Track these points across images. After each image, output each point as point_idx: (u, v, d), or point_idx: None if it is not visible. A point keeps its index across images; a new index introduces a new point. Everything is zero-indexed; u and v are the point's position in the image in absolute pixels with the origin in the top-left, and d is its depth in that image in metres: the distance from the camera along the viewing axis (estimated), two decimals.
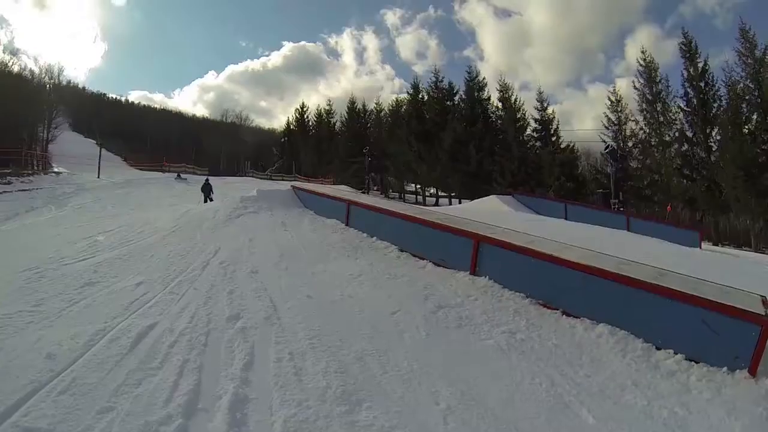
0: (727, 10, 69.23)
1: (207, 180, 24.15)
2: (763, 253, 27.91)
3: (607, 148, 36.01)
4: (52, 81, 48.47)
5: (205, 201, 20.36)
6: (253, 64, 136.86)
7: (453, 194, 45.51)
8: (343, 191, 16.66)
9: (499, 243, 6.41)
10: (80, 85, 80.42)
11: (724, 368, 4.11)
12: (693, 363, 4.23)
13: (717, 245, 29.79)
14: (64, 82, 61.42)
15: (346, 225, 9.97)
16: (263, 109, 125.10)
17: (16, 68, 41.09)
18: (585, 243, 7.80)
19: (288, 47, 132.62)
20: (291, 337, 4.53)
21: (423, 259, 7.43)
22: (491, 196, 23.06)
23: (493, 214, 14.64)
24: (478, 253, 6.56)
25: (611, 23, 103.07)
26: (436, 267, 7.08)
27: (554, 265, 5.50)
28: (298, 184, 16.50)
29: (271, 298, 5.67)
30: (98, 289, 6.03)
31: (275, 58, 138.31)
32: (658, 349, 4.47)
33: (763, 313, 4.18)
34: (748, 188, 31.16)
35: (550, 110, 43.44)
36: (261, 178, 47.39)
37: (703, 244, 19.42)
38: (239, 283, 6.31)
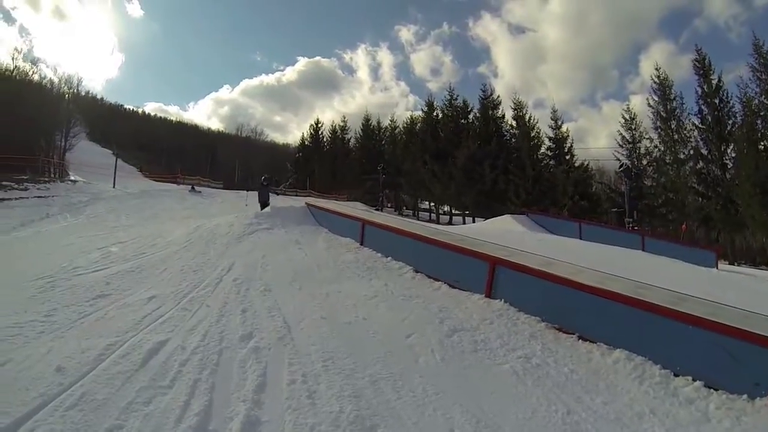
0: (741, 23, 69.40)
1: (265, 181, 20.21)
2: None
3: (621, 166, 35.87)
4: (71, 91, 49.10)
5: (262, 208, 18.73)
6: (268, 79, 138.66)
7: (467, 212, 45.47)
8: (357, 209, 16.66)
9: (515, 266, 6.39)
10: (97, 96, 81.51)
11: (744, 396, 4.02)
12: (712, 390, 4.15)
13: (734, 264, 29.41)
14: (83, 93, 62.36)
15: (361, 244, 9.98)
16: (278, 123, 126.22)
17: (36, 77, 41.72)
18: (600, 264, 7.75)
19: (303, 62, 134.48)
20: (304, 358, 4.52)
21: (438, 280, 7.41)
22: (505, 216, 22.99)
23: (507, 233, 14.63)
24: (493, 276, 6.53)
25: (625, 39, 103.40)
26: (451, 289, 7.05)
27: (570, 288, 5.47)
28: (312, 200, 16.47)
29: (284, 317, 5.68)
30: (110, 302, 6.10)
31: (290, 73, 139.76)
32: (676, 375, 4.39)
33: None
34: (764, 205, 30.79)
35: (564, 128, 43.83)
36: (275, 194, 47.50)
37: (719, 263, 19.20)
38: (252, 301, 6.33)
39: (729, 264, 27.97)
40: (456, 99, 48.98)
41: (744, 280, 11.99)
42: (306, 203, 14.59)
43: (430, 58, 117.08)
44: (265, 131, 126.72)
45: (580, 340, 5.16)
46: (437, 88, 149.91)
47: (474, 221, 38.94)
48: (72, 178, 33.79)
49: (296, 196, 42.57)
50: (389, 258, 8.77)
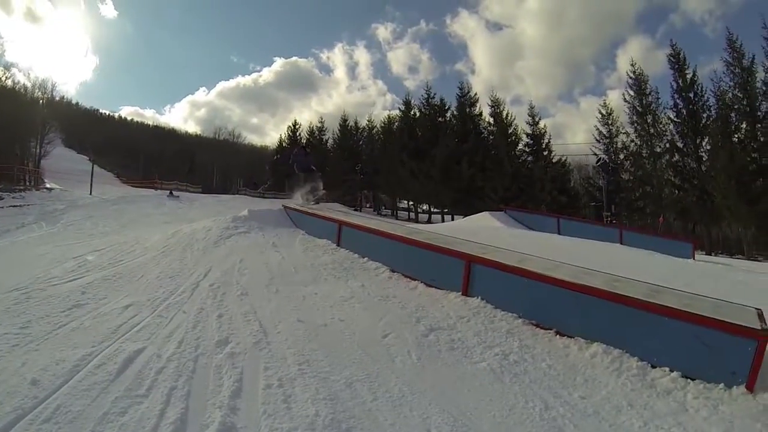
0: (716, 18, 70.95)
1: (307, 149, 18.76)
2: (756, 260, 28.16)
3: (599, 161, 36.55)
4: (45, 96, 48.54)
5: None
6: (245, 80, 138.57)
7: (446, 210, 45.59)
8: (335, 209, 16.57)
9: (491, 263, 6.34)
10: (72, 100, 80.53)
11: (721, 385, 4.05)
12: (689, 380, 4.17)
13: (711, 254, 30.03)
14: (57, 98, 61.51)
15: (338, 245, 9.88)
16: (255, 125, 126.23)
17: (9, 83, 41.12)
18: (578, 258, 7.78)
19: (279, 63, 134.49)
20: (280, 362, 4.43)
21: (414, 279, 7.34)
22: (483, 213, 22.98)
23: (485, 230, 14.61)
24: (469, 273, 6.49)
25: (602, 35, 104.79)
26: (428, 288, 6.99)
27: (546, 284, 5.45)
28: (288, 203, 16.36)
29: (260, 322, 5.58)
30: (86, 312, 5.92)
31: (267, 74, 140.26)
32: (653, 367, 4.40)
33: (759, 327, 4.14)
34: (739, 196, 31.61)
35: (542, 124, 44.40)
36: (254, 196, 47.19)
37: (696, 253, 19.46)
38: (229, 307, 6.20)
39: (706, 254, 28.50)
40: (433, 97, 49.02)
41: (721, 270, 12.13)
42: (283, 205, 14.45)
43: (408, 56, 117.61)
44: (243, 134, 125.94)
45: (558, 336, 5.14)
46: (415, 86, 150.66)
47: (453, 219, 39.00)
48: (47, 185, 33.40)
49: (275, 198, 42.49)
50: (366, 258, 8.69)
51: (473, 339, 5.13)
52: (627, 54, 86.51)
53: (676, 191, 37.21)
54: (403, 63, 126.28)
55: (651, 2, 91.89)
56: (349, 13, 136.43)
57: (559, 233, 18.39)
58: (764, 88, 33.27)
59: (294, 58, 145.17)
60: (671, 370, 4.30)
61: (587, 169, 44.15)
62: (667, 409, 3.83)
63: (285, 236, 11.18)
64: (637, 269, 8.09)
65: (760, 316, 4.54)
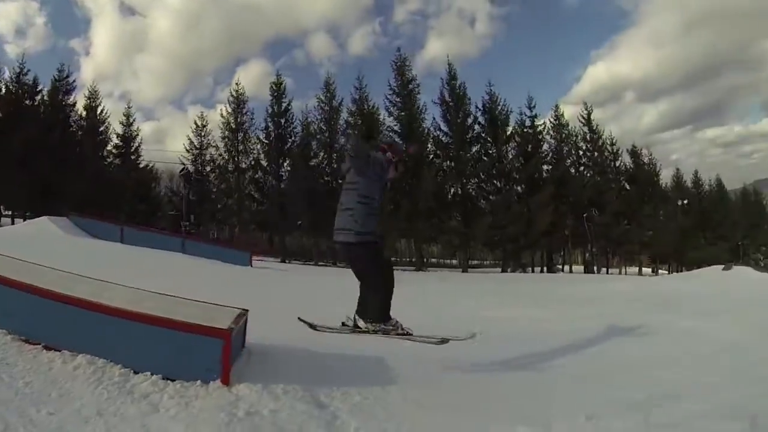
0: (332, 62, 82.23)
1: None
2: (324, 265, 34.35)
3: (182, 170, 37.26)
4: None
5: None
6: None
7: (26, 212, 38.74)
8: None
9: None
10: None
11: (198, 382, 4.38)
12: (170, 382, 4.37)
13: (285, 261, 34.86)
14: None
15: None
16: None
17: None
18: (132, 266, 7.61)
19: None
20: None
21: None
22: (43, 218, 20.73)
23: (39, 239, 13.12)
24: None
25: (231, 50, 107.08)
26: None
27: (33, 295, 5.01)
28: None
29: None
30: None
31: None
32: (136, 373, 4.49)
33: (225, 327, 4.61)
34: (309, 210, 37.19)
35: (135, 126, 42.73)
36: None
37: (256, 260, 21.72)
38: None
39: (282, 261, 33.32)
40: (26, 73, 40.26)
41: (270, 273, 13.56)
42: None
43: (20, 14, 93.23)
44: None
45: (45, 350, 4.80)
46: (16, 55, 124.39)
47: (25, 221, 33.71)
48: None
49: None
50: None
51: None
52: (246, 74, 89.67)
53: (255, 204, 41.75)
54: (12, 20, 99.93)
55: (281, 34, 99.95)
56: None
57: (122, 242, 18.09)
58: (344, 126, 40.46)
59: None
60: (152, 374, 4.45)
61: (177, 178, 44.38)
62: (137, 413, 3.92)
63: None
64: (193, 276, 8.42)
65: (240, 316, 5.13)
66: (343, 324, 5.49)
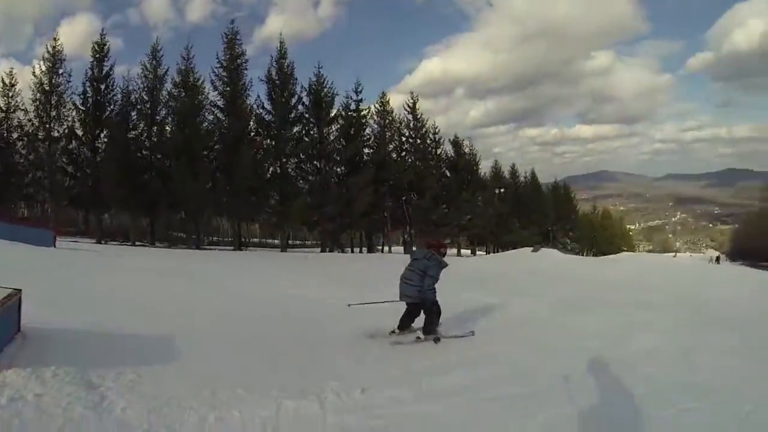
0: (170, 28, 76.63)
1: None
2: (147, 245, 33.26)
3: None
4: None
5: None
6: None
7: None
8: None
9: None
10: None
11: None
12: None
13: (101, 243, 33.16)
14: None
15: None
16: None
17: None
18: None
19: None
20: None
21: None
22: None
23: None
24: None
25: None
26: None
27: None
28: None
29: None
30: None
31: None
32: None
33: None
34: (129, 187, 34.97)
35: None
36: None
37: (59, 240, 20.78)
38: None
39: (97, 242, 32.16)
40: None
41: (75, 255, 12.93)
42: None
43: None
44: None
45: None
46: None
47: None
48: None
49: None
50: None
51: None
52: (70, 28, 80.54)
53: (68, 179, 37.62)
54: None
55: None
56: None
57: None
58: (167, 97, 38.23)
59: None
60: None
61: None
62: None
63: None
64: None
65: (9, 297, 4.75)
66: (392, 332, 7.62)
